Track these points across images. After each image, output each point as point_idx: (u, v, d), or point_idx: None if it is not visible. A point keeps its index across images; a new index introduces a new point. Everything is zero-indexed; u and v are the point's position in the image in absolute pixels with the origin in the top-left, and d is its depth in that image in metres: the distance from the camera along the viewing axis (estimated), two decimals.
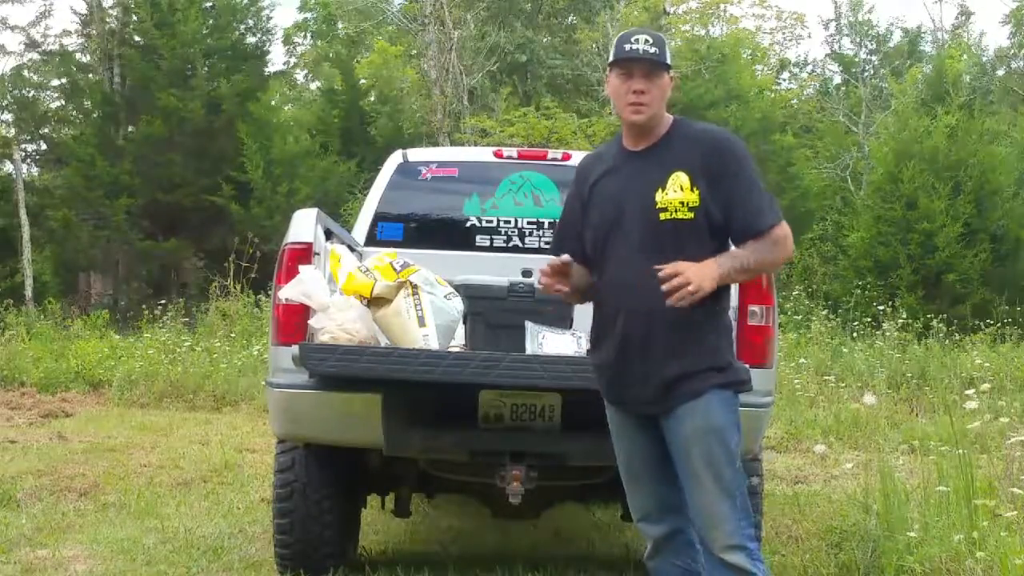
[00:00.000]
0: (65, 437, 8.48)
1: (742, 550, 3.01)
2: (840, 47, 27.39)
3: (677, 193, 3.05)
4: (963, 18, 28.77)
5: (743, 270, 3.04)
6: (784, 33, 27.17)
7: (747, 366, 3.26)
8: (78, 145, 20.00)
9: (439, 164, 5.56)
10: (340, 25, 28.50)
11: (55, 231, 19.43)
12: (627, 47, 3.11)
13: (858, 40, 26.30)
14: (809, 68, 29.82)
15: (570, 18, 24.27)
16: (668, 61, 3.12)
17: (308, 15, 31.41)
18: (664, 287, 2.91)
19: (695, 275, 2.90)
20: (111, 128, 20.59)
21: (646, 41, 3.10)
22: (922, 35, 28.73)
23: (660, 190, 3.07)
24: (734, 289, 3.68)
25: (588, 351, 3.35)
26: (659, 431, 3.13)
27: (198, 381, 11.22)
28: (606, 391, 3.25)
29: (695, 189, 3.05)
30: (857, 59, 25.90)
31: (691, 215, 3.04)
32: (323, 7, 29.23)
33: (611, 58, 3.16)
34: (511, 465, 3.90)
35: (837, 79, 27.07)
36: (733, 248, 3.05)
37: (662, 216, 3.05)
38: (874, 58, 26.59)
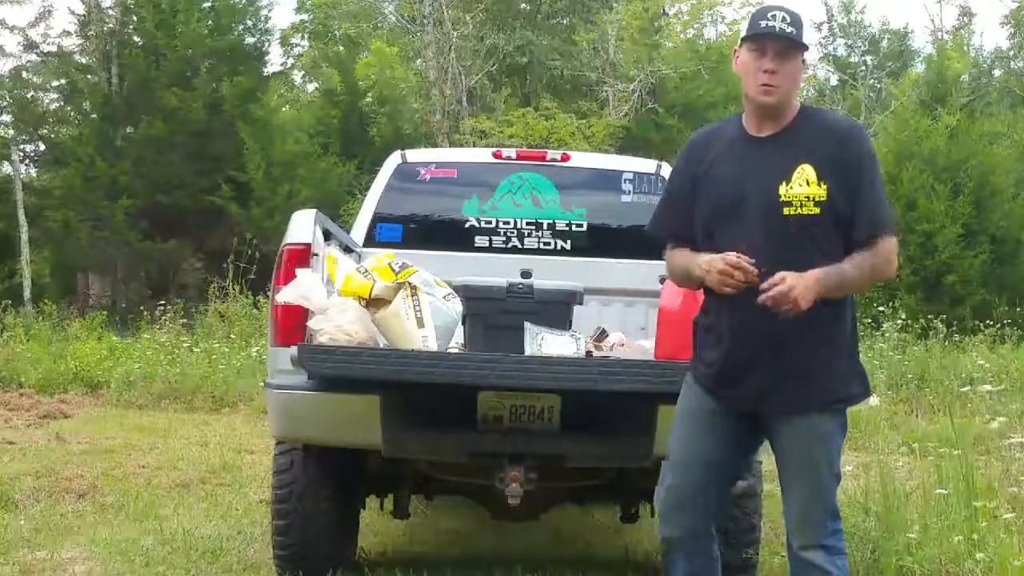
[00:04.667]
0: (63, 438, 8.47)
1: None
2: (835, 48, 27.42)
3: (803, 187, 2.93)
4: (965, 19, 28.78)
5: (845, 287, 2.95)
6: None
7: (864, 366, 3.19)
8: (77, 146, 19.98)
9: (438, 165, 5.55)
10: (336, 26, 28.50)
11: (54, 232, 19.41)
12: (763, 23, 2.95)
13: (850, 42, 26.30)
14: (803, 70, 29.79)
15: (567, 19, 24.27)
16: (805, 41, 2.98)
17: (305, 16, 31.36)
18: (762, 299, 2.83)
19: (800, 294, 2.81)
20: (110, 129, 20.57)
21: (783, 19, 2.94)
22: (909, 34, 28.77)
23: (784, 183, 2.95)
24: None
25: (697, 343, 3.19)
26: (749, 432, 3.11)
27: (196, 382, 11.20)
28: (709, 381, 3.11)
29: (823, 183, 2.93)
30: (852, 61, 25.90)
31: (818, 210, 2.93)
32: (319, 8, 29.18)
33: (744, 32, 3.01)
34: (510, 466, 3.89)
35: (834, 80, 27.07)
36: (840, 264, 2.92)
37: (786, 211, 2.93)
38: (868, 59, 26.58)
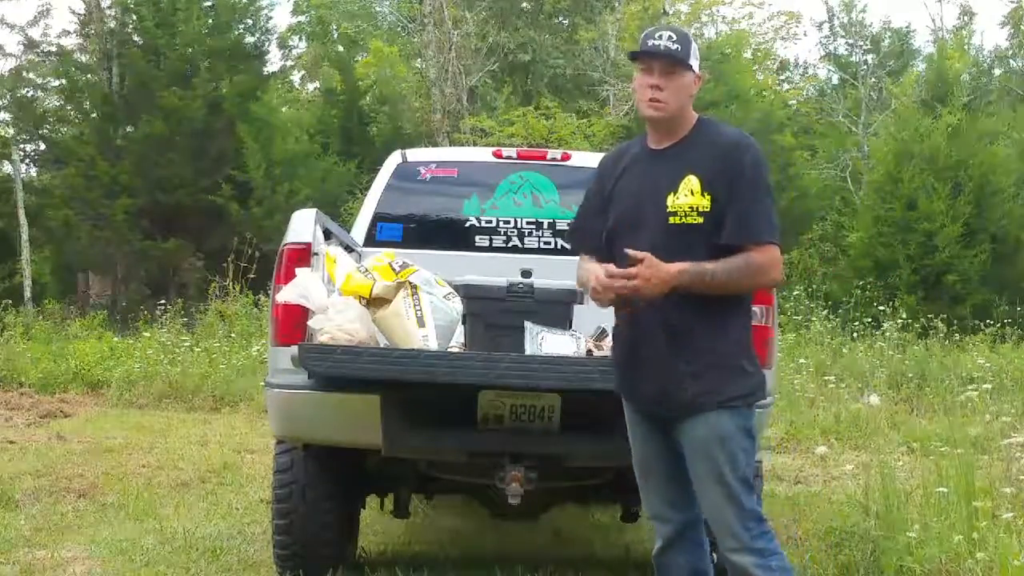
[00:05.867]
0: (64, 438, 8.48)
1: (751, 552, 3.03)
2: (835, 48, 27.39)
3: (688, 198, 3.03)
4: (965, 18, 28.76)
5: (709, 285, 2.97)
6: (778, 32, 27.22)
7: (762, 371, 3.19)
8: (77, 145, 19.96)
9: (438, 164, 5.56)
10: (334, 26, 28.48)
11: (54, 231, 19.39)
12: (649, 43, 3.08)
13: (852, 41, 26.28)
14: (802, 70, 29.85)
15: (568, 19, 24.26)
16: (691, 59, 3.09)
17: (302, 18, 31.31)
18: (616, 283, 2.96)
19: (646, 280, 2.92)
20: (110, 128, 20.54)
21: (669, 38, 3.07)
22: (911, 32, 28.77)
23: (672, 193, 3.04)
24: None
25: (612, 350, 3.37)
26: (671, 430, 3.14)
27: (197, 382, 11.20)
28: (620, 387, 3.26)
29: (706, 194, 3.01)
30: (853, 59, 25.90)
31: (700, 220, 3.01)
32: (316, 8, 29.14)
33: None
34: (510, 466, 3.89)
35: (835, 79, 27.06)
36: (708, 262, 2.98)
37: (671, 220, 3.03)
38: (870, 58, 26.57)
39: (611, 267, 3.01)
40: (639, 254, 2.92)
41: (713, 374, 3.03)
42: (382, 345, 4.07)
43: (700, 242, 3.01)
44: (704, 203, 3.01)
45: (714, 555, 3.41)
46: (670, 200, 3.04)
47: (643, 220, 3.08)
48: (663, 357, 3.05)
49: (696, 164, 3.05)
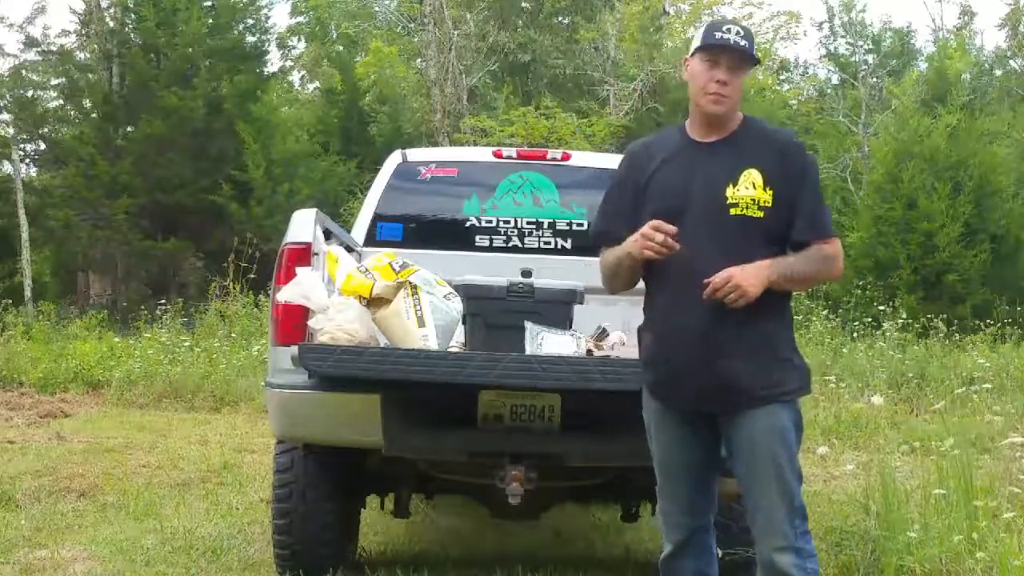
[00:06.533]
0: (64, 437, 8.48)
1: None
2: (835, 48, 27.38)
3: (749, 190, 3.03)
4: (966, 18, 28.76)
5: (792, 279, 3.04)
6: (778, 32, 27.22)
7: (807, 363, 3.21)
8: (77, 145, 19.95)
9: (438, 164, 5.56)
10: (333, 26, 28.48)
11: (54, 231, 19.39)
12: (718, 35, 3.06)
13: (852, 41, 26.27)
14: (802, 70, 29.84)
15: (568, 19, 24.27)
16: (755, 57, 3.10)
17: (301, 18, 31.30)
18: (707, 293, 2.94)
19: (744, 282, 2.92)
20: (111, 128, 20.55)
21: (737, 32, 3.06)
22: (911, 32, 28.79)
23: (731, 185, 3.04)
24: None
25: (641, 348, 3.28)
26: (707, 430, 3.12)
27: (197, 381, 11.20)
28: (655, 386, 3.19)
29: (768, 189, 3.03)
30: (853, 59, 25.89)
31: (761, 214, 3.02)
32: (315, 8, 29.15)
33: (698, 43, 3.10)
34: (510, 466, 3.89)
35: (835, 79, 27.06)
36: (787, 256, 3.04)
37: (732, 212, 3.02)
38: (870, 58, 26.57)
39: (656, 222, 2.98)
40: (718, 277, 2.93)
41: (771, 368, 3.03)
42: (382, 345, 4.07)
43: (757, 235, 3.02)
44: (766, 197, 3.03)
45: (719, 551, 3.42)
46: (730, 191, 3.03)
47: (691, 211, 3.04)
48: (715, 353, 3.01)
49: (756, 159, 3.06)
